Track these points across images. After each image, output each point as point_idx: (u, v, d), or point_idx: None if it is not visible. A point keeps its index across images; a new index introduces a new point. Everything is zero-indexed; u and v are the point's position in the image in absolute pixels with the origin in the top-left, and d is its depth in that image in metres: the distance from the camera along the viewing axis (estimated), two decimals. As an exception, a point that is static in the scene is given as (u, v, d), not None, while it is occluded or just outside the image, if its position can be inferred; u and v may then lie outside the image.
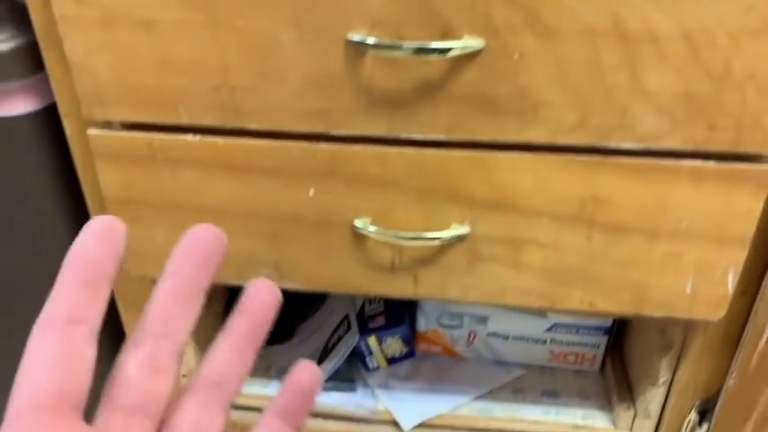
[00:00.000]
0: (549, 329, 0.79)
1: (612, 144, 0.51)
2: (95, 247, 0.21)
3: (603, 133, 0.51)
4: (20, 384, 0.20)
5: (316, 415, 0.78)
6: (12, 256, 0.71)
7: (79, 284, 0.21)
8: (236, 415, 0.82)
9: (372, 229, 0.57)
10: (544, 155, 0.52)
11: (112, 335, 0.78)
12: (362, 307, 0.82)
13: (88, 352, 0.20)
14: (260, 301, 0.24)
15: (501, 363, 0.83)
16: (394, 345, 0.81)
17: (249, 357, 0.24)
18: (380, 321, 0.81)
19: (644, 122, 0.50)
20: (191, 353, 0.73)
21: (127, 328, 0.73)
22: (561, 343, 0.80)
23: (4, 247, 0.70)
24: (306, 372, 0.25)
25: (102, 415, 0.21)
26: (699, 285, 0.57)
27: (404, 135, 0.53)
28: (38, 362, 0.20)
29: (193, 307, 0.23)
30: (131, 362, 0.22)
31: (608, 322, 0.77)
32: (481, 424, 0.76)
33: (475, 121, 0.51)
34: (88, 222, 0.22)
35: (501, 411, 0.77)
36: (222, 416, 0.23)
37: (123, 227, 0.22)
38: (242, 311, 0.24)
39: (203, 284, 0.23)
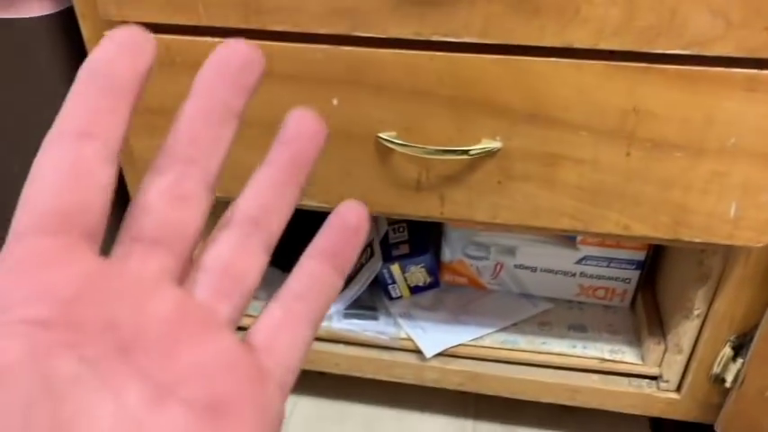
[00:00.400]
0: (579, 262, 0.76)
1: (659, 49, 0.47)
2: (117, 56, 0.18)
3: (650, 37, 0.47)
4: (22, 205, 0.17)
5: (336, 340, 0.77)
6: (27, 167, 0.70)
7: (95, 95, 0.18)
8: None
9: (398, 142, 0.54)
10: (585, 61, 0.49)
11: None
12: (386, 234, 0.80)
13: (102, 172, 0.17)
14: (303, 129, 0.21)
15: (527, 296, 0.81)
16: (417, 274, 0.79)
17: (292, 193, 0.21)
18: (404, 249, 0.79)
19: (694, 25, 0.46)
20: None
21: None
22: (591, 276, 0.77)
23: (19, 156, 0.69)
24: (352, 210, 0.22)
25: (119, 247, 0.18)
26: (743, 209, 0.53)
27: (435, 38, 0.50)
28: (42, 180, 0.17)
29: (226, 131, 0.20)
30: (153, 188, 0.19)
31: (641, 255, 0.74)
32: (504, 355, 0.75)
33: (511, 21, 0.48)
34: (109, 32, 0.18)
35: (525, 343, 0.75)
36: (261, 257, 0.20)
37: (151, 38, 0.19)
38: (282, 141, 0.21)
39: (237, 106, 0.20)
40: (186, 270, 0.19)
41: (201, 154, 0.19)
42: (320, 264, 0.21)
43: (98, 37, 0.56)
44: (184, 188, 0.19)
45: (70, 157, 0.17)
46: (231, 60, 0.20)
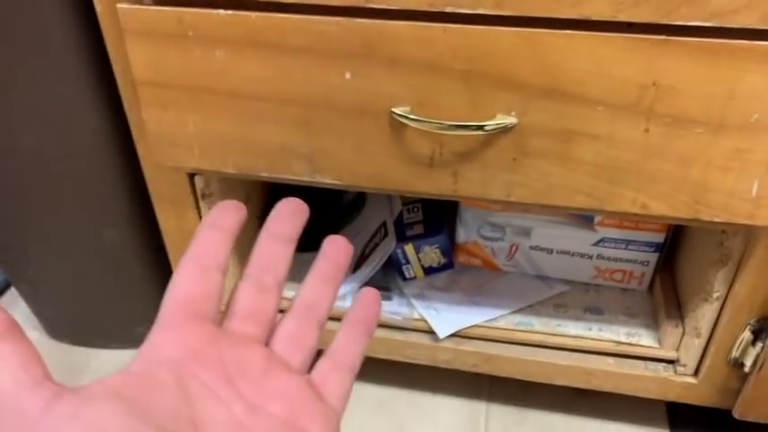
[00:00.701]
0: (597, 244, 0.75)
1: (680, 21, 0.46)
2: (224, 214, 0.30)
3: (670, 8, 0.46)
4: (166, 297, 0.27)
5: (349, 320, 0.77)
6: (43, 140, 0.70)
7: (211, 233, 0.29)
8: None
9: (412, 117, 0.53)
10: (603, 33, 0.48)
11: (148, 230, 0.78)
12: (400, 215, 0.80)
13: (216, 277, 0.28)
14: (336, 248, 0.32)
15: (543, 278, 0.80)
16: (431, 254, 0.79)
17: (334, 286, 0.31)
18: (418, 230, 0.78)
19: (718, -5, 0.44)
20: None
21: (161, 220, 0.72)
22: (608, 259, 0.76)
23: (33, 134, 0.70)
24: (368, 294, 0.33)
25: (224, 324, 0.28)
26: (766, 187, 0.52)
27: (449, 8, 0.49)
28: (179, 280, 0.27)
29: (288, 249, 0.30)
30: (244, 286, 0.29)
31: (660, 238, 0.73)
32: (519, 336, 0.74)
33: (527, -9, 0.47)
34: (220, 203, 0.30)
35: (540, 325, 0.74)
36: (317, 329, 0.30)
37: (243, 206, 0.31)
38: (322, 256, 0.32)
39: (294, 235, 0.31)
40: (269, 338, 0.29)
41: (273, 265, 0.30)
42: (352, 329, 0.31)
43: (112, 12, 0.56)
44: (265, 285, 0.29)
45: (199, 269, 0.28)
46: (286, 207, 0.31)
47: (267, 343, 0.29)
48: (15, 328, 0.23)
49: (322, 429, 0.26)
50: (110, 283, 0.85)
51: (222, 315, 0.28)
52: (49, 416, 0.20)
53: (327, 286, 0.31)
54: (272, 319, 0.29)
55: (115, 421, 0.20)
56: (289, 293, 0.31)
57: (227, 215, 0.30)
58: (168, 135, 0.60)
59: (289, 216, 0.31)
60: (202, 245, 0.28)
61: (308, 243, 0.88)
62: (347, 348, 0.30)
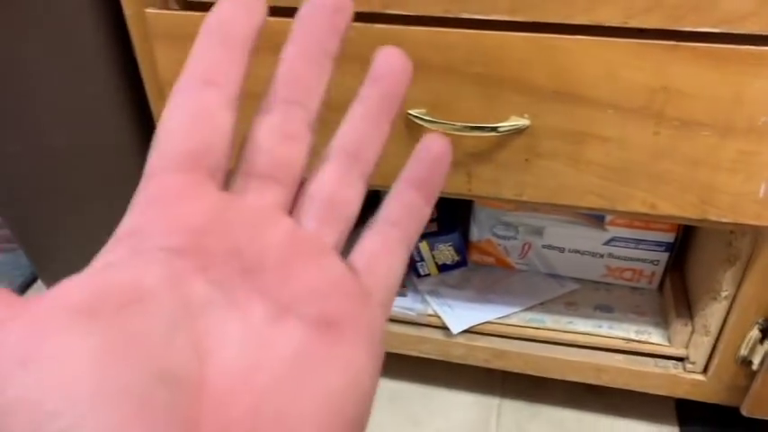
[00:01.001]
0: (607, 243, 0.77)
1: (689, 27, 0.48)
2: (234, 14, 0.20)
3: (680, 14, 0.47)
4: (153, 147, 0.19)
5: (365, 315, 0.79)
6: (70, 141, 0.73)
7: (216, 48, 0.20)
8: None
9: (427, 118, 0.55)
10: (614, 39, 0.49)
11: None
12: (415, 213, 0.82)
13: (224, 117, 0.19)
14: (392, 66, 0.23)
15: (555, 276, 0.82)
16: (445, 252, 0.80)
17: (384, 127, 0.23)
18: (432, 227, 0.80)
19: (725, 1, 0.46)
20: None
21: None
22: (619, 258, 0.78)
23: (62, 133, 0.72)
24: (436, 141, 0.24)
25: (236, 182, 0.20)
26: (773, 189, 0.53)
27: (464, 15, 0.50)
28: (171, 124, 0.19)
29: (324, 71, 0.22)
30: (262, 128, 0.21)
31: (670, 237, 0.74)
32: (530, 333, 0.75)
33: (540, -2, 0.48)
34: None
35: (551, 322, 0.76)
36: (360, 186, 0.22)
37: (262, 4, 0.21)
38: (372, 78, 0.23)
39: (333, 48, 0.22)
40: (294, 201, 0.21)
41: (302, 95, 0.21)
42: (410, 193, 0.23)
43: (140, 15, 0.58)
44: (290, 128, 0.21)
45: (196, 104, 0.19)
46: (325, 4, 0.21)
47: (290, 210, 0.21)
48: None
49: (365, 337, 0.19)
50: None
51: (230, 172, 0.20)
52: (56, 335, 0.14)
53: (378, 123, 0.22)
54: (298, 174, 0.21)
55: (84, 367, 0.14)
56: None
57: (241, 14, 0.20)
58: (192, 135, 0.62)
59: (325, 15, 0.21)
60: (202, 65, 0.20)
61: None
62: (402, 220, 0.22)
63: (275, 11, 0.53)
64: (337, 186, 0.21)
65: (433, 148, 0.23)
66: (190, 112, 0.19)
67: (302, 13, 0.22)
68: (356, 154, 0.22)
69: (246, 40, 0.20)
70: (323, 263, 0.20)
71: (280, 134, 0.21)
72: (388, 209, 0.22)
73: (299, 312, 0.18)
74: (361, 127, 0.22)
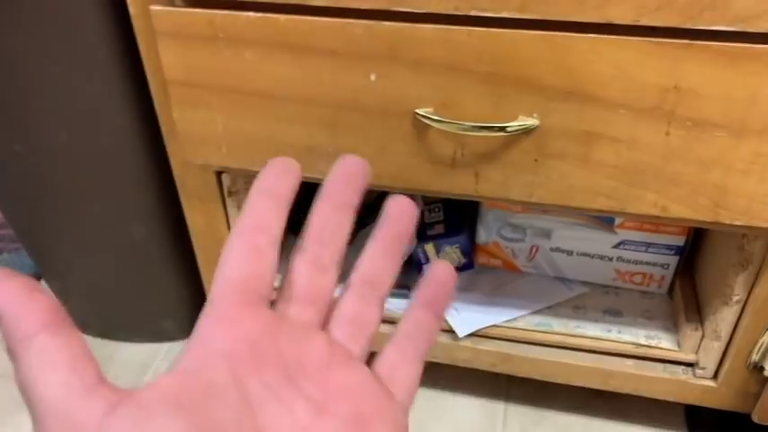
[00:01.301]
0: (617, 246, 0.76)
1: (702, 25, 0.47)
2: (277, 176, 0.27)
3: (693, 12, 0.46)
4: (216, 278, 0.24)
5: (370, 318, 0.78)
6: (73, 140, 0.72)
7: (264, 201, 0.26)
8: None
9: (435, 118, 0.54)
10: (625, 37, 0.48)
11: (175, 226, 0.79)
12: (422, 214, 0.81)
13: (271, 254, 0.25)
14: (400, 211, 0.28)
15: (563, 279, 0.81)
16: (452, 254, 0.79)
17: (396, 259, 0.28)
18: (439, 229, 0.79)
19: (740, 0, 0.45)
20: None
21: (188, 216, 0.73)
22: (628, 261, 0.77)
23: (65, 132, 0.72)
24: (441, 269, 0.29)
25: (279, 305, 0.25)
26: (787, 191, 0.52)
27: (473, 12, 0.50)
28: (230, 259, 0.24)
29: (346, 219, 0.27)
30: (300, 263, 0.26)
31: (680, 241, 0.73)
32: (538, 337, 0.74)
33: (550, -4, 0.47)
34: (270, 160, 0.27)
35: (559, 326, 0.75)
36: (378, 308, 0.27)
37: (296, 164, 0.28)
38: (385, 220, 0.28)
39: (354, 201, 0.27)
40: (325, 320, 0.26)
41: (331, 237, 0.26)
42: (421, 312, 0.28)
43: (145, 14, 0.57)
44: (322, 263, 0.26)
45: (250, 244, 0.25)
46: (345, 169, 0.28)
47: (324, 328, 0.26)
48: (64, 319, 0.20)
49: (391, 429, 0.23)
50: (137, 278, 0.87)
51: (276, 298, 0.25)
52: None
53: (390, 257, 0.27)
54: (329, 300, 0.26)
55: None
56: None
57: (282, 178, 0.26)
58: (197, 134, 0.62)
59: (347, 179, 0.28)
60: (254, 216, 0.25)
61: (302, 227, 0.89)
62: (416, 335, 0.27)
63: (283, 8, 0.53)
64: (359, 309, 0.26)
65: (439, 274, 0.28)
66: (246, 249, 0.24)
67: (332, 176, 0.28)
68: (373, 282, 0.27)
69: (287, 196, 0.26)
70: (354, 369, 0.24)
71: (314, 267, 0.26)
72: (404, 324, 0.27)
73: (335, 410, 0.23)
74: (378, 260, 0.27)
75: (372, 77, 0.54)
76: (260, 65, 0.56)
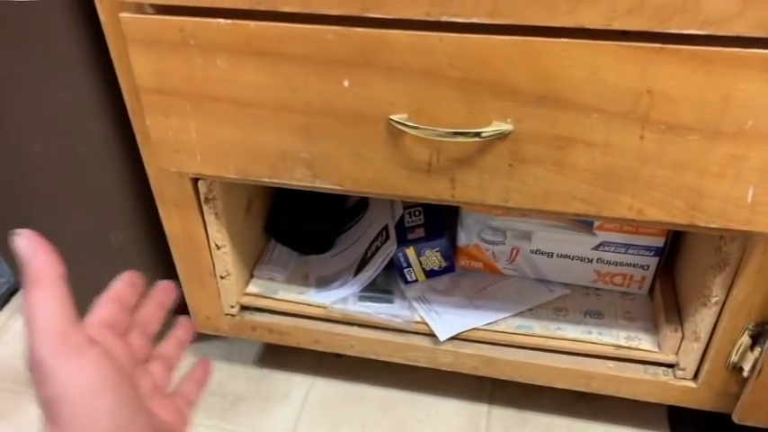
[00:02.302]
0: (597, 248, 0.76)
1: (673, 29, 0.46)
2: (123, 289, 0.39)
3: (664, 16, 0.46)
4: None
5: (351, 323, 0.78)
6: (49, 145, 0.71)
7: (114, 309, 0.37)
8: (277, 319, 0.82)
9: (409, 124, 0.54)
10: (597, 42, 0.48)
11: (154, 233, 0.79)
12: (402, 218, 0.80)
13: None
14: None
15: (543, 282, 0.80)
16: (432, 258, 0.79)
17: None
18: (419, 233, 0.79)
19: (710, 3, 0.45)
20: (228, 249, 0.73)
21: (165, 224, 0.73)
22: (609, 263, 0.77)
23: (40, 137, 0.71)
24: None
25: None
26: (761, 194, 0.52)
27: (444, 18, 0.49)
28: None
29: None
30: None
31: (660, 242, 0.73)
32: (519, 340, 0.74)
33: (522, 0, 0.47)
34: (120, 276, 0.39)
35: (540, 328, 0.75)
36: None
37: (141, 277, 0.40)
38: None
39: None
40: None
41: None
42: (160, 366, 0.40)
43: (115, 21, 0.57)
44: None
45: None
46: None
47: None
48: (58, 276, 0.30)
49: None
50: (116, 286, 0.86)
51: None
52: (87, 354, 0.30)
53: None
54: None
55: (113, 376, 0.31)
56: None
57: (128, 289, 0.38)
58: (171, 141, 0.61)
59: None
60: (102, 313, 0.36)
61: (315, 245, 0.88)
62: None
63: (254, 14, 0.52)
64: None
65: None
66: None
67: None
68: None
69: (131, 303, 0.38)
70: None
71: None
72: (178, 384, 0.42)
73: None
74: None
75: (345, 83, 0.54)
76: (232, 71, 0.55)
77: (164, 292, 0.42)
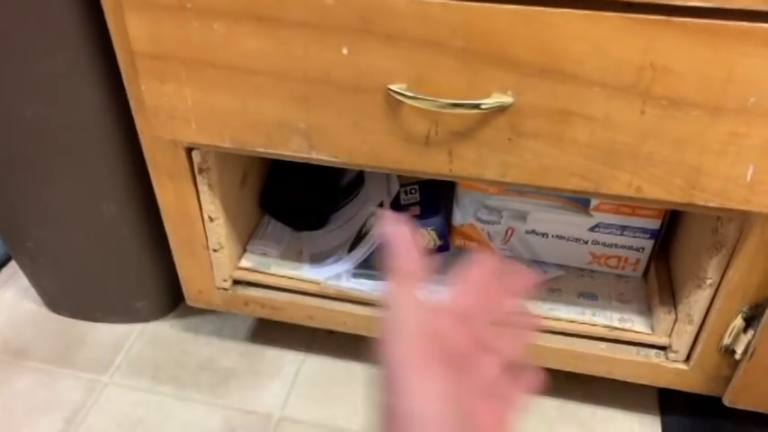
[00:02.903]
0: (592, 229, 0.75)
1: (679, 1, 0.46)
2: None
3: (670, -13, 0.45)
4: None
5: (344, 299, 0.77)
6: (42, 112, 0.70)
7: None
8: (270, 294, 0.81)
9: (408, 94, 0.53)
10: (601, 12, 0.47)
11: (146, 204, 0.78)
12: (397, 195, 0.80)
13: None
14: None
15: (538, 262, 0.80)
16: (427, 236, 0.79)
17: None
18: (414, 211, 0.78)
19: (718, -25, 0.44)
20: (221, 221, 0.72)
21: (158, 194, 0.72)
22: (604, 244, 0.76)
23: (33, 103, 0.70)
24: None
25: None
26: (761, 172, 0.52)
27: (447, -15, 0.48)
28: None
29: None
30: None
31: (655, 224, 0.73)
32: (512, 319, 0.74)
33: (526, -32, 0.46)
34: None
35: (533, 308, 0.75)
36: None
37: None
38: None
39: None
40: None
41: None
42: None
43: (110, -20, 0.56)
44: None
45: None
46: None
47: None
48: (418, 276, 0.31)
49: None
50: (108, 257, 0.86)
51: None
52: (437, 374, 0.29)
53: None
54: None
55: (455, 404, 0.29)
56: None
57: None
58: (166, 108, 0.60)
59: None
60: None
61: (310, 222, 0.87)
62: None
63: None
64: None
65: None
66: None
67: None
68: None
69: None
70: None
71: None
72: None
73: None
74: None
75: (344, 51, 0.53)
76: (229, 37, 0.55)
77: (523, 280, 0.36)
